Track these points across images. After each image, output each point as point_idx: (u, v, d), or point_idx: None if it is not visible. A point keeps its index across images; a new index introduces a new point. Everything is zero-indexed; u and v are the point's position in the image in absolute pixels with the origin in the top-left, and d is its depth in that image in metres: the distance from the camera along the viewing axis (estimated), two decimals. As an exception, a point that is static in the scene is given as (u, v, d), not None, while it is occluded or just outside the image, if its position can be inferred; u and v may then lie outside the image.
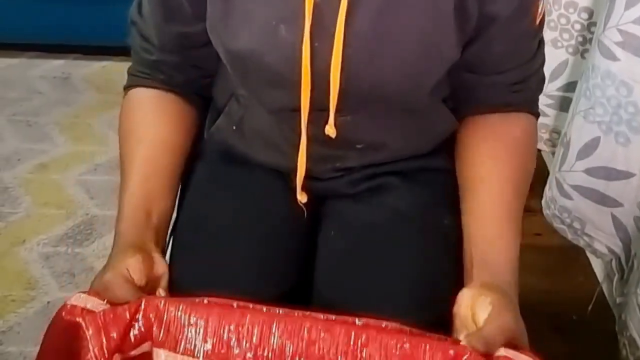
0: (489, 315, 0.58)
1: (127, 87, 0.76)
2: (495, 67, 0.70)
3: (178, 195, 0.83)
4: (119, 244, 0.66)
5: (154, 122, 0.73)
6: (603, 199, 1.12)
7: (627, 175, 1.07)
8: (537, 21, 0.68)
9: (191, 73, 0.75)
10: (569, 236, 1.23)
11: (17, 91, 1.94)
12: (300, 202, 0.75)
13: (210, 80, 0.78)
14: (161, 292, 0.64)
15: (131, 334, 0.58)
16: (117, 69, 2.05)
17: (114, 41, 1.94)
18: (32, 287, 1.32)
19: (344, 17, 0.61)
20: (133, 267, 0.63)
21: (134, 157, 0.71)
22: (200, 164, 0.81)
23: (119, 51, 2.05)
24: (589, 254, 1.37)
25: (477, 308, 0.59)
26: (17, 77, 2.01)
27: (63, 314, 0.59)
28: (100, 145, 1.72)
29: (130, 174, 0.70)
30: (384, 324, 0.58)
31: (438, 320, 0.64)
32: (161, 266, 0.67)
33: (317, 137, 0.69)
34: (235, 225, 0.74)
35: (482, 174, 0.71)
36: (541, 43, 0.71)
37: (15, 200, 1.54)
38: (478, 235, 0.67)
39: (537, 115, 0.76)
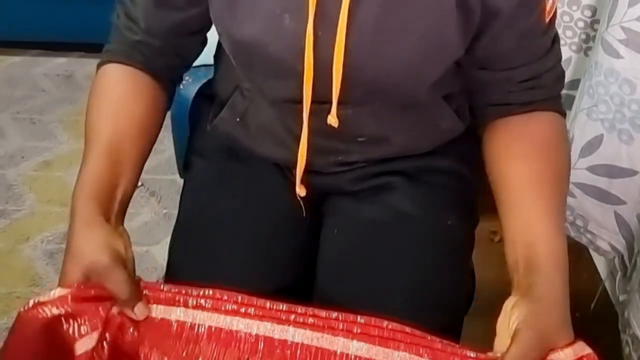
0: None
1: (102, 63, 0.73)
2: (504, 63, 0.69)
3: (180, 190, 0.83)
4: (87, 217, 0.62)
5: (129, 100, 0.71)
6: (606, 197, 1.12)
7: (630, 172, 1.07)
8: (548, 18, 0.67)
9: (171, 60, 0.75)
10: (572, 234, 1.23)
11: (20, 89, 1.95)
12: (299, 195, 0.75)
13: (186, 69, 0.78)
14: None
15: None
16: (121, 67, 2.06)
17: (117, 39, 1.96)
18: (36, 284, 1.33)
19: (347, 7, 0.62)
20: (122, 250, 0.61)
21: (106, 130, 0.69)
22: (201, 160, 0.81)
23: (122, 49, 2.05)
24: (591, 252, 1.37)
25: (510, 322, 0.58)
26: (21, 75, 2.01)
27: (31, 319, 0.56)
28: (104, 143, 1.72)
29: (100, 146, 0.68)
30: (385, 323, 0.58)
31: (440, 321, 0.64)
32: (125, 239, 0.64)
33: (318, 129, 0.69)
34: (236, 220, 0.74)
35: (514, 174, 0.67)
36: (555, 41, 0.70)
37: (20, 197, 1.54)
38: (519, 237, 0.63)
39: (562, 113, 0.72)
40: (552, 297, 0.59)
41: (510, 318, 0.58)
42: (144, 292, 0.60)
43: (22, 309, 0.56)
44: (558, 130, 0.71)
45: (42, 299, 0.56)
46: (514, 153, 0.68)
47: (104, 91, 0.72)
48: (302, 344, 0.56)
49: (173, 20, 0.71)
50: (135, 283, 0.59)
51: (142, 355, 0.58)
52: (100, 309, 0.57)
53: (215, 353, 0.56)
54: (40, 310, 0.55)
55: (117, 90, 0.72)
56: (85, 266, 0.59)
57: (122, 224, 0.66)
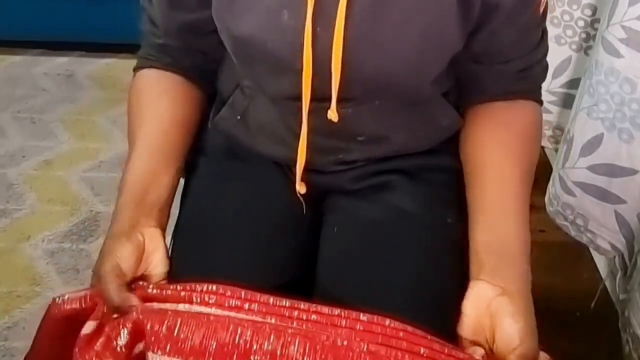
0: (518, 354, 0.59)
1: (136, 69, 0.77)
2: (500, 56, 0.70)
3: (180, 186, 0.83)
4: (114, 227, 0.66)
5: (160, 100, 0.74)
6: (606, 196, 1.12)
7: (630, 172, 1.07)
8: (540, 10, 0.68)
9: (197, 58, 0.76)
10: (572, 233, 1.23)
11: (21, 88, 1.95)
12: (299, 193, 0.75)
13: (217, 65, 0.79)
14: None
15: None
16: (121, 66, 2.06)
17: (117, 38, 1.96)
18: (37, 283, 1.33)
19: (345, 3, 0.62)
20: (126, 258, 0.64)
21: (139, 133, 0.72)
22: (202, 159, 0.81)
23: (123, 48, 2.06)
24: (592, 251, 1.37)
25: (503, 331, 0.60)
26: (22, 74, 2.01)
27: (55, 311, 0.61)
28: (104, 142, 1.73)
29: (134, 150, 0.71)
30: (387, 321, 0.58)
31: (440, 319, 0.65)
32: (155, 241, 0.67)
33: (318, 127, 0.69)
34: (236, 219, 0.74)
35: (488, 160, 0.71)
36: (544, 33, 0.72)
37: (20, 196, 1.55)
38: (486, 222, 0.67)
39: (540, 102, 0.76)
40: (529, 292, 0.63)
41: (501, 321, 0.61)
42: (151, 291, 0.61)
43: (52, 299, 0.63)
44: (535, 120, 0.75)
45: (69, 295, 0.63)
46: (492, 139, 0.72)
47: (138, 97, 0.75)
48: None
49: (186, 21, 0.72)
50: (124, 291, 0.62)
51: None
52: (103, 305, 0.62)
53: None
54: (63, 306, 0.62)
55: (150, 94, 0.75)
56: (94, 272, 0.65)
57: (160, 223, 0.69)
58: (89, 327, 0.60)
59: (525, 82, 0.73)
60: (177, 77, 0.75)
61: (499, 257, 0.64)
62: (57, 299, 0.62)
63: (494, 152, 0.71)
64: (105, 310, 0.62)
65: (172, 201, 0.72)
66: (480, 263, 0.65)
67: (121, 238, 0.65)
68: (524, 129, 0.73)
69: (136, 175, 0.69)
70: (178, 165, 0.73)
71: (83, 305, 0.61)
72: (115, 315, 0.61)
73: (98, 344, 0.57)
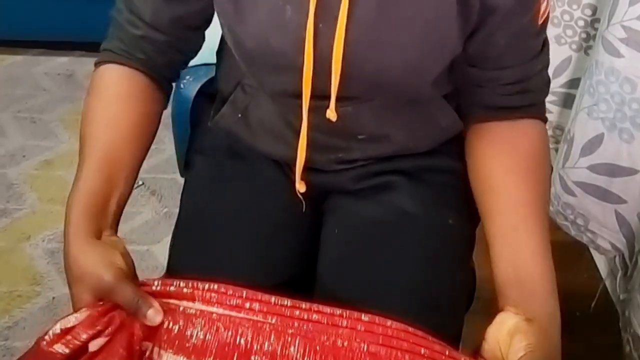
0: None
1: (100, 63, 0.72)
2: (495, 62, 0.69)
3: (180, 189, 0.83)
4: (80, 238, 0.62)
5: (125, 107, 0.70)
6: (606, 196, 1.12)
7: (630, 171, 1.07)
8: (540, 20, 0.67)
9: (172, 57, 0.74)
10: (573, 233, 1.23)
11: (21, 88, 1.95)
12: (299, 191, 0.75)
13: (185, 67, 0.77)
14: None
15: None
16: (121, 66, 2.06)
17: (118, 38, 1.96)
18: (37, 283, 1.33)
19: (347, 0, 0.62)
20: (122, 263, 0.61)
21: (99, 139, 0.68)
22: (201, 158, 0.81)
23: (123, 48, 2.06)
24: (592, 251, 1.37)
25: (512, 345, 0.59)
26: (22, 74, 2.02)
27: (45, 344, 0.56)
28: (105, 142, 1.73)
29: (92, 156, 0.67)
30: (389, 322, 0.58)
31: (440, 320, 0.65)
32: (120, 249, 0.64)
33: (318, 125, 0.69)
34: (236, 218, 0.74)
35: (498, 190, 0.68)
36: (545, 45, 0.70)
37: (21, 196, 1.55)
38: (504, 256, 0.65)
39: (545, 120, 0.73)
40: (556, 328, 0.62)
41: (513, 338, 0.59)
42: (156, 288, 0.60)
43: (44, 341, 0.56)
44: (543, 141, 0.72)
45: (66, 324, 0.57)
46: (505, 169, 0.69)
47: (99, 95, 0.71)
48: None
49: (178, 13, 0.70)
50: (143, 291, 0.59)
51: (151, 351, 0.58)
52: (116, 316, 0.58)
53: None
54: (70, 337, 0.56)
55: (112, 95, 0.71)
56: (92, 288, 0.59)
57: (116, 232, 0.66)
58: (97, 344, 0.57)
59: (523, 95, 0.71)
60: (142, 77, 0.71)
61: (520, 292, 0.63)
62: (55, 332, 0.56)
63: (504, 181, 0.68)
64: (119, 322, 0.58)
65: (123, 210, 0.68)
66: (505, 296, 0.63)
67: (103, 246, 0.62)
68: (535, 155, 0.70)
69: (95, 185, 0.65)
70: (135, 176, 0.70)
71: (98, 327, 0.56)
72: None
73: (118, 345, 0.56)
